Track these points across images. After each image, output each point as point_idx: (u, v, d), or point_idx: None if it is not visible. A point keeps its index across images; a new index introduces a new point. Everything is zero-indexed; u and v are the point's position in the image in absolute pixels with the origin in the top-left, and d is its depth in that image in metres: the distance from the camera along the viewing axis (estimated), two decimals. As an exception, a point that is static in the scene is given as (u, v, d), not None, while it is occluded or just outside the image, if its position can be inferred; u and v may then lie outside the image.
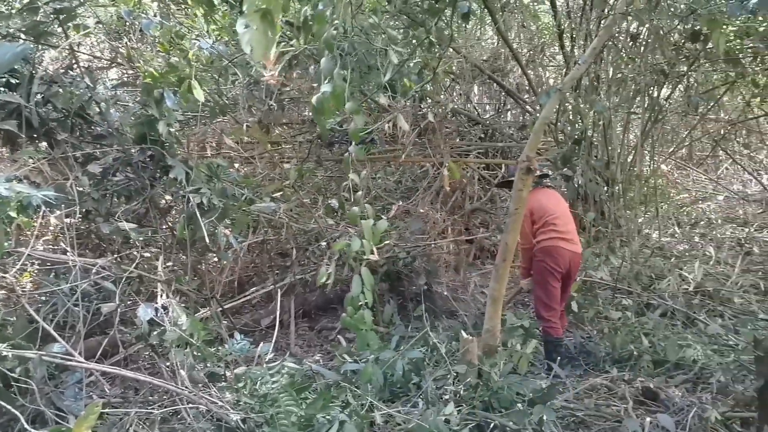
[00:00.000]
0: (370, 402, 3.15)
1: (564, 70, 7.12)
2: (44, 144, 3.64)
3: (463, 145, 7.50)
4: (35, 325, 2.96)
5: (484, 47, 8.66)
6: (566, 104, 6.57)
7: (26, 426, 2.26)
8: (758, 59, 6.30)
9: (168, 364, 3.28)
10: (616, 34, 6.33)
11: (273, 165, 6.31)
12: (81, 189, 3.47)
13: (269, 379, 3.25)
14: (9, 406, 2.39)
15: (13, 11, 3.83)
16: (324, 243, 5.25)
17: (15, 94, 3.33)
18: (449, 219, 6.41)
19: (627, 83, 6.66)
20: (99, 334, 3.91)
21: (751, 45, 6.07)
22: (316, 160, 6.28)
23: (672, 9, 5.54)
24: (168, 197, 4.25)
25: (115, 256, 3.81)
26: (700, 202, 8.94)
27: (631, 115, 7.19)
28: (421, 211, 6.01)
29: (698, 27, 5.21)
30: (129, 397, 3.68)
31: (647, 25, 5.95)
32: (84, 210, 3.59)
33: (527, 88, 7.66)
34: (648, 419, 3.05)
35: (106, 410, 3.03)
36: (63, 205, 3.24)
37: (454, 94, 8.38)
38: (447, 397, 3.31)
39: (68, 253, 3.21)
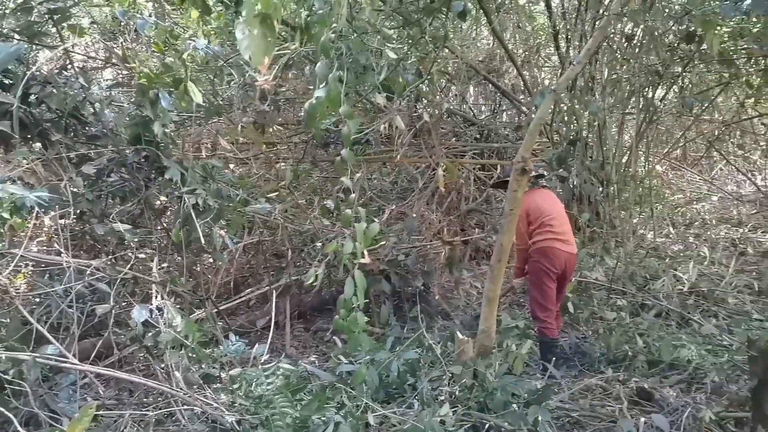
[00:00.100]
0: (366, 403, 3.15)
1: (559, 70, 7.14)
2: (38, 145, 3.62)
3: (458, 146, 7.51)
4: (29, 326, 2.94)
5: (480, 48, 8.67)
6: (561, 105, 6.58)
7: (19, 429, 2.25)
8: (752, 60, 6.33)
9: (163, 365, 3.27)
10: (611, 35, 6.35)
11: (268, 166, 6.30)
12: (75, 190, 3.46)
13: (264, 380, 3.25)
14: (2, 409, 2.38)
15: (7, 11, 3.81)
16: (319, 244, 5.25)
17: (8, 94, 3.31)
18: (445, 220, 6.42)
19: (622, 84, 6.68)
20: (93, 335, 3.89)
21: (745, 46, 6.10)
22: (312, 160, 6.27)
23: (667, 10, 5.56)
24: (163, 198, 4.24)
25: (110, 257, 3.79)
26: (695, 202, 8.98)
27: (626, 116, 7.22)
28: (414, 215, 6.00)
29: (693, 28, 5.23)
30: (123, 399, 3.67)
31: (642, 26, 5.98)
32: (78, 211, 3.57)
33: (522, 88, 7.66)
34: (642, 419, 3.06)
35: (101, 412, 3.01)
36: (57, 206, 3.22)
37: (450, 94, 8.38)
38: (442, 398, 3.32)
39: (62, 255, 3.19)
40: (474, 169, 7.42)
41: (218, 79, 5.45)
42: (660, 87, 6.88)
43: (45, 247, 4.47)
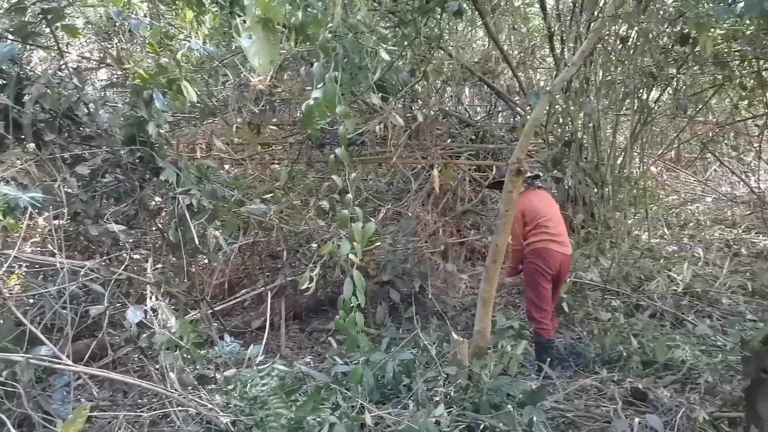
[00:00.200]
0: (361, 404, 3.15)
1: (554, 72, 7.16)
2: (32, 145, 3.60)
3: (454, 147, 7.52)
4: (22, 327, 2.93)
5: (475, 49, 8.68)
6: (556, 106, 6.60)
7: (12, 430, 2.24)
8: (745, 62, 6.36)
9: (157, 366, 3.26)
10: (606, 37, 6.38)
11: (263, 166, 6.29)
12: (69, 190, 3.44)
13: (259, 381, 3.24)
14: (-5, 410, 2.37)
15: (0, 11, 3.79)
16: (315, 245, 5.24)
17: (2, 95, 3.29)
18: (440, 220, 6.42)
19: (616, 86, 6.71)
20: (87, 336, 3.88)
21: (739, 48, 6.13)
22: (307, 161, 6.27)
23: (661, 12, 5.58)
24: (158, 199, 4.23)
25: (104, 258, 3.78)
26: (689, 203, 9.01)
27: (621, 117, 7.25)
28: (410, 214, 6.01)
29: (686, 30, 5.26)
30: (118, 400, 3.65)
31: (636, 28, 6.00)
32: (72, 212, 3.55)
33: (518, 90, 7.69)
34: (637, 420, 3.07)
35: (95, 413, 3.00)
36: (51, 207, 3.21)
37: (446, 95, 8.39)
38: (437, 398, 3.31)
39: (56, 255, 3.18)
40: (469, 170, 7.43)
41: (213, 79, 5.44)
42: (654, 89, 6.91)
43: (39, 248, 4.45)
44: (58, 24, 3.64)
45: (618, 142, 7.29)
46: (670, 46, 6.19)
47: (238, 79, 5.40)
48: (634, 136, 6.87)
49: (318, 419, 2.94)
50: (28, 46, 4.00)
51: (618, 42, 6.48)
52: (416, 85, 5.96)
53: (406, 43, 4.25)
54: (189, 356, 3.31)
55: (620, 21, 5.83)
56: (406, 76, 4.33)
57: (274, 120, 6.69)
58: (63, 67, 3.86)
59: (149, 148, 3.64)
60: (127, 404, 3.45)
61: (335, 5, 2.76)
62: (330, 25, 2.84)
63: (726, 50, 6.14)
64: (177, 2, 4.02)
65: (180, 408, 2.94)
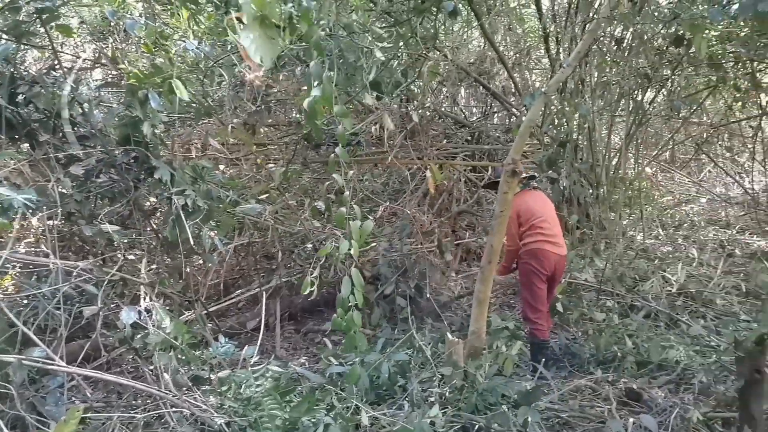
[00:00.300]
0: (356, 405, 3.15)
1: (549, 73, 7.18)
2: (26, 145, 3.59)
3: (449, 148, 7.53)
4: (15, 328, 2.91)
5: (471, 50, 8.70)
6: (551, 107, 6.62)
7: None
8: (739, 64, 6.39)
9: (152, 367, 3.25)
10: (601, 38, 6.39)
11: (259, 167, 6.28)
12: (63, 191, 3.43)
13: (253, 382, 3.23)
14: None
15: (-6, 10, 3.77)
16: (310, 245, 5.23)
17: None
18: (436, 221, 6.42)
19: (611, 87, 6.73)
20: (82, 337, 3.86)
21: (733, 50, 6.16)
22: (303, 161, 6.26)
23: (656, 14, 5.60)
24: (152, 199, 4.21)
25: (98, 258, 3.76)
26: (684, 204, 9.05)
27: (616, 118, 7.27)
28: (407, 212, 6.01)
29: (681, 32, 5.28)
30: (112, 402, 3.64)
31: (631, 30, 6.02)
32: (66, 212, 3.54)
33: (513, 90, 7.70)
34: (631, 420, 3.07)
35: (89, 415, 2.99)
36: (44, 207, 3.20)
37: (441, 96, 8.40)
38: (432, 399, 3.32)
39: (50, 256, 3.16)
40: (465, 170, 7.44)
41: (208, 79, 5.43)
42: (649, 90, 6.94)
43: (33, 249, 4.43)
44: (53, 23, 3.63)
45: (613, 143, 7.32)
46: (664, 48, 6.22)
47: (234, 79, 5.39)
48: (629, 137, 6.89)
49: (313, 420, 2.93)
50: (22, 46, 3.98)
51: (613, 43, 6.50)
52: (412, 86, 5.97)
53: (401, 43, 4.26)
54: (183, 357, 3.30)
55: (615, 22, 5.86)
56: (401, 78, 4.33)
57: (269, 120, 6.68)
58: (57, 66, 3.84)
59: (144, 148, 3.63)
60: (121, 405, 3.44)
61: (327, 1, 2.75)
62: (323, 21, 2.83)
63: (720, 52, 6.17)
64: (173, 1, 4.00)
65: (174, 409, 2.93)
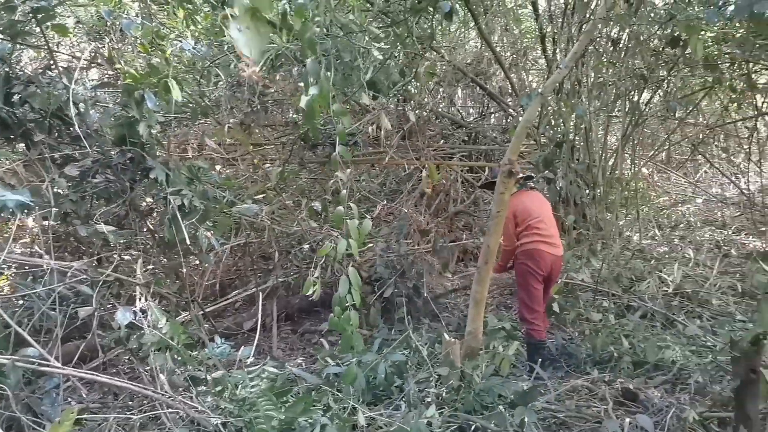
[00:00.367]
0: (353, 405, 3.14)
1: (546, 73, 7.19)
2: (21, 145, 3.57)
3: (446, 148, 7.54)
4: (10, 329, 2.90)
5: (468, 51, 8.71)
6: (548, 108, 6.63)
7: (0, 432, 2.22)
8: (735, 65, 6.41)
9: (148, 368, 3.24)
10: (597, 39, 6.41)
11: (255, 167, 6.27)
12: (59, 191, 3.42)
13: (249, 383, 3.23)
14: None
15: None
16: (307, 246, 5.23)
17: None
18: (433, 221, 6.43)
19: (608, 87, 6.74)
20: (78, 338, 3.85)
21: (729, 51, 6.18)
22: (299, 162, 6.26)
23: (652, 15, 5.61)
24: (149, 199, 4.20)
25: (94, 259, 3.75)
26: (680, 205, 9.08)
27: (612, 119, 7.28)
28: (405, 211, 6.01)
29: (677, 33, 5.29)
30: (108, 403, 3.63)
31: (627, 31, 6.04)
32: (62, 212, 3.53)
33: (510, 91, 7.71)
34: (627, 420, 3.07)
35: (85, 416, 2.98)
36: (38, 208, 3.18)
37: (438, 97, 8.41)
38: (429, 399, 3.31)
39: (45, 256, 3.15)
40: (462, 171, 7.44)
41: (205, 79, 5.42)
42: (645, 91, 6.95)
43: (29, 249, 4.41)
44: (48, 23, 3.62)
45: (609, 143, 7.33)
46: (660, 49, 6.23)
47: (230, 79, 5.39)
48: (626, 137, 6.90)
49: (309, 421, 2.93)
50: (17, 46, 3.97)
51: (609, 44, 6.51)
52: (409, 86, 5.97)
53: (398, 44, 4.26)
54: (179, 358, 3.29)
55: (611, 23, 5.87)
56: (397, 78, 4.33)
57: (265, 121, 6.67)
58: (53, 66, 3.83)
59: (140, 149, 3.62)
60: (117, 406, 3.43)
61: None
62: (318, 18, 2.82)
63: (716, 53, 6.19)
64: (169, 1, 4.00)
65: (170, 410, 2.92)
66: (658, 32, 5.80)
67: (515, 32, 8.31)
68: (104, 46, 6.19)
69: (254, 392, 3.12)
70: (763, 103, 7.57)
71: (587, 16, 6.08)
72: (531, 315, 4.08)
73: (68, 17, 6.50)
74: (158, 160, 3.67)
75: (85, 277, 3.24)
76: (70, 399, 3.52)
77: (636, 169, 7.75)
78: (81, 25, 6.62)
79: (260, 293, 4.66)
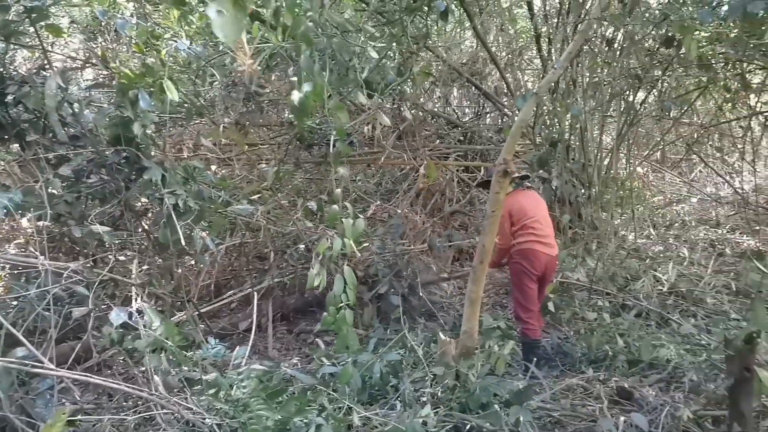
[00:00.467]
0: (348, 405, 3.14)
1: (541, 73, 7.20)
2: (15, 146, 3.56)
3: (442, 148, 7.54)
4: (3, 330, 2.88)
5: (463, 51, 8.71)
6: (543, 107, 6.64)
7: (-7, 434, 2.21)
8: (729, 65, 6.43)
9: (143, 369, 3.23)
10: (592, 39, 6.42)
11: (251, 167, 6.26)
12: (53, 191, 3.41)
13: (242, 383, 3.22)
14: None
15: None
16: (302, 246, 5.22)
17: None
18: (428, 221, 6.43)
19: (603, 87, 6.75)
20: (73, 339, 3.84)
21: (723, 51, 6.20)
22: (295, 162, 6.25)
23: (646, 15, 5.63)
24: (144, 200, 4.19)
25: (89, 259, 3.74)
26: (675, 204, 9.10)
27: (607, 119, 7.30)
28: (399, 211, 6.01)
29: (671, 33, 5.31)
30: (102, 404, 3.61)
31: (622, 31, 6.05)
32: (57, 213, 3.51)
33: (505, 91, 7.72)
34: (622, 418, 3.08)
35: (79, 417, 2.97)
36: (33, 209, 3.17)
37: (434, 96, 8.41)
38: (424, 399, 3.31)
39: (39, 257, 3.14)
40: (458, 171, 7.45)
41: (200, 79, 5.41)
42: (640, 90, 6.97)
43: (23, 250, 4.40)
44: (42, 23, 3.60)
45: (604, 143, 7.35)
46: (655, 49, 6.25)
47: (226, 79, 5.37)
48: (621, 137, 6.92)
49: (305, 421, 2.93)
50: (11, 46, 3.95)
51: (604, 44, 6.53)
52: (404, 85, 5.97)
53: (394, 44, 4.26)
54: (174, 359, 3.28)
55: (606, 23, 5.88)
56: (392, 77, 4.32)
57: (261, 121, 6.66)
58: (47, 66, 3.81)
59: (135, 149, 3.61)
60: (112, 407, 3.42)
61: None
62: (310, 13, 2.81)
63: (710, 53, 6.21)
64: (163, 1, 3.99)
65: (165, 411, 2.91)
66: (653, 32, 5.82)
67: (510, 32, 8.30)
68: (98, 46, 6.17)
69: (247, 393, 3.11)
70: (756, 102, 7.61)
71: (582, 16, 6.10)
72: (526, 314, 4.09)
73: (62, 17, 6.48)
74: (153, 160, 3.66)
75: (80, 278, 3.22)
76: (64, 400, 3.50)
77: (631, 168, 7.77)
78: (75, 26, 6.60)
79: (256, 293, 4.66)
